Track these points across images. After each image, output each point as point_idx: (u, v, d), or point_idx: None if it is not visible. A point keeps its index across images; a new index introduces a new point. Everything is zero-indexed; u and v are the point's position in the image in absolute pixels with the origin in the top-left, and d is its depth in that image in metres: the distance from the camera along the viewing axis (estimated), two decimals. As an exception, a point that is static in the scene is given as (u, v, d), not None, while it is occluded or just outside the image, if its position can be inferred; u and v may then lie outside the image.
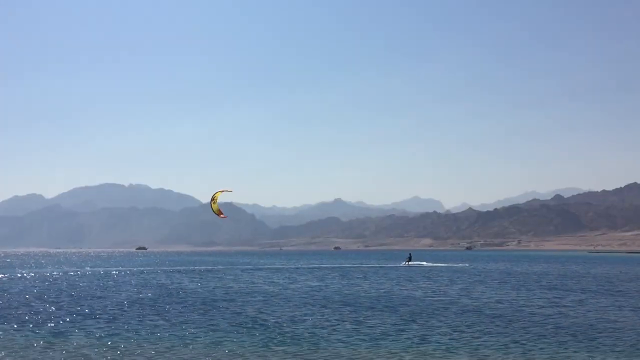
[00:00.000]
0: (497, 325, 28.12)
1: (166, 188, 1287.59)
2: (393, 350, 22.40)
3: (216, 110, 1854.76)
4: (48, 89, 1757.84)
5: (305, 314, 32.46)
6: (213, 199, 40.75)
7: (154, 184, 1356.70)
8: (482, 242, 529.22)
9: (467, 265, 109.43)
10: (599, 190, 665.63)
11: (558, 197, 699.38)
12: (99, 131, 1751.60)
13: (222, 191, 40.88)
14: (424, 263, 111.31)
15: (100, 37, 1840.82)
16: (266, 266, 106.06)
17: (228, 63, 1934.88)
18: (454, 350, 22.33)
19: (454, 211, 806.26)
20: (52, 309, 34.92)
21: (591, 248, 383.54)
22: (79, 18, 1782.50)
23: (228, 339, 24.64)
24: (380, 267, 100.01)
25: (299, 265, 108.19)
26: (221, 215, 41.74)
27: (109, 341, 24.18)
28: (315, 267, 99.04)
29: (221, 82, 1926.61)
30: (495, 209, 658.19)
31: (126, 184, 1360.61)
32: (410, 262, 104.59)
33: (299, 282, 60.02)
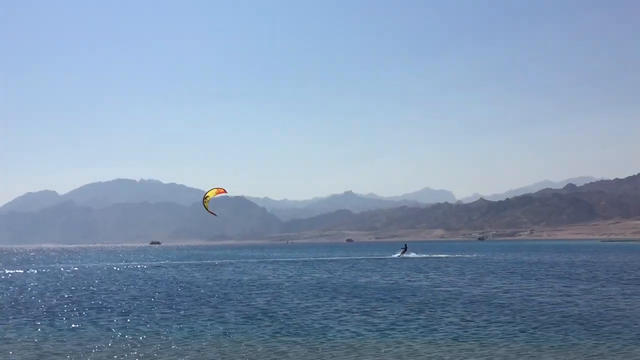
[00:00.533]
0: (505, 315, 28.27)
1: (177, 183, 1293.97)
2: (401, 340, 22.64)
3: (227, 105, 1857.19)
4: (60, 86, 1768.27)
5: (314, 306, 32.79)
6: (206, 197, 40.64)
7: (166, 179, 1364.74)
8: (494, 232, 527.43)
9: (471, 256, 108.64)
10: (612, 179, 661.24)
11: (570, 186, 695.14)
12: (110, 127, 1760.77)
13: (218, 192, 40.61)
14: (413, 254, 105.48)
15: (110, 32, 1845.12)
16: (276, 259, 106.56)
17: (239, 57, 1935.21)
18: (462, 340, 22.53)
19: (465, 202, 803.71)
20: (66, 303, 35.49)
21: (605, 237, 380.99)
22: (88, 13, 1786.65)
23: (237, 330, 25.02)
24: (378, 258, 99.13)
25: (308, 258, 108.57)
26: (212, 213, 41.67)
27: (121, 334, 24.63)
28: (323, 260, 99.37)
29: (232, 76, 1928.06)
30: (507, 199, 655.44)
31: (138, 179, 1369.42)
32: (404, 254, 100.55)
33: (308, 274, 60.43)
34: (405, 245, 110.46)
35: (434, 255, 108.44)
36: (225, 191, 41.25)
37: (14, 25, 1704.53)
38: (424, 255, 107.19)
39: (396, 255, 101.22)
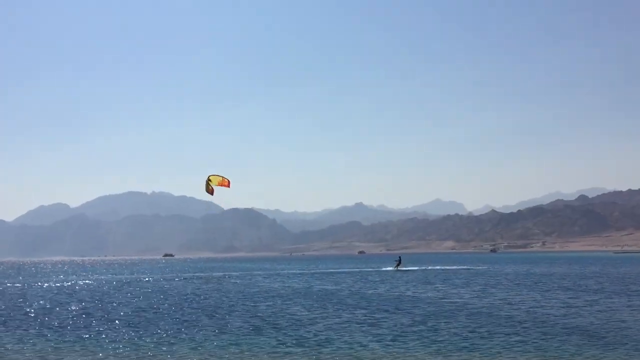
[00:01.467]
0: (508, 326, 28.36)
1: (188, 195, 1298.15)
2: (404, 351, 22.88)
3: (236, 117, 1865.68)
4: (71, 98, 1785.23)
5: (319, 316, 33.09)
6: (209, 180, 39.09)
7: (176, 192, 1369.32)
8: (505, 244, 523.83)
9: (472, 267, 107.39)
10: (625, 190, 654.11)
11: (582, 197, 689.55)
12: (120, 140, 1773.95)
13: (221, 184, 39.22)
14: (415, 268, 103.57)
15: (117, 41, 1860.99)
16: (284, 271, 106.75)
17: (247, 68, 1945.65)
18: (464, 351, 22.71)
19: (476, 213, 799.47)
20: (75, 315, 36.03)
21: (618, 248, 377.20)
22: (95, 20, 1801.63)
23: (242, 341, 25.36)
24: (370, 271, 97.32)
25: (313, 271, 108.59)
26: (210, 192, 39.40)
27: (126, 345, 25.02)
28: (324, 273, 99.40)
29: (240, 87, 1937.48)
30: (519, 210, 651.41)
31: (149, 191, 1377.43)
32: (399, 267, 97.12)
33: (315, 285, 60.68)
34: (400, 257, 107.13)
35: (431, 267, 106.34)
36: (228, 185, 39.88)
37: (19, 36, 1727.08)
38: (420, 268, 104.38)
39: (390, 269, 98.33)
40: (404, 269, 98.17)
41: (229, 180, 39.28)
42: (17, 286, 70.19)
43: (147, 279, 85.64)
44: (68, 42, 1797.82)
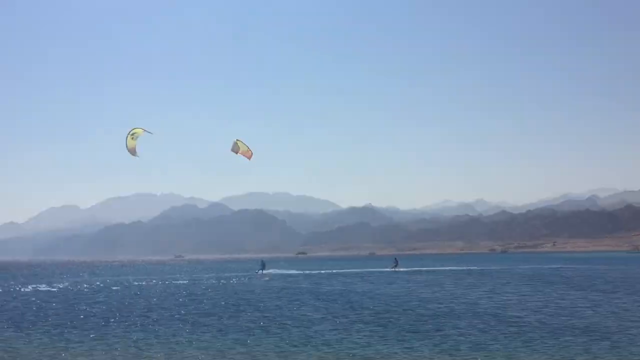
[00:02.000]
0: (515, 326, 28.29)
1: (197, 196, 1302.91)
2: (410, 351, 22.88)
3: (243, 119, 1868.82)
4: (80, 101, 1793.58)
5: (325, 317, 33.15)
6: (237, 143, 37.67)
7: (185, 193, 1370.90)
8: (515, 244, 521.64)
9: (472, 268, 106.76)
10: (636, 190, 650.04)
11: (593, 197, 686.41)
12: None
13: (245, 153, 37.49)
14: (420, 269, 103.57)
15: (119, 40, 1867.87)
16: (289, 272, 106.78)
17: (255, 71, 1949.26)
18: (470, 351, 22.69)
19: (486, 214, 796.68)
20: (82, 316, 36.29)
21: (630, 248, 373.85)
22: (98, 19, 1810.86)
23: (247, 341, 25.49)
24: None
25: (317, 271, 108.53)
26: (235, 151, 36.96)
27: (132, 346, 25.21)
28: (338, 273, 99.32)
29: (248, 89, 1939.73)
30: (529, 211, 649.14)
31: (158, 193, 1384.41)
32: (397, 268, 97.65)
33: (322, 286, 60.71)
34: (395, 258, 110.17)
35: (440, 268, 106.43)
36: (250, 157, 39.06)
37: (20, 35, 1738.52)
38: (428, 268, 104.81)
39: (387, 269, 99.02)
40: (401, 269, 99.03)
41: (251, 153, 38.81)
42: (30, 287, 70.67)
43: (154, 281, 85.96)
44: (71, 40, 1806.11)
